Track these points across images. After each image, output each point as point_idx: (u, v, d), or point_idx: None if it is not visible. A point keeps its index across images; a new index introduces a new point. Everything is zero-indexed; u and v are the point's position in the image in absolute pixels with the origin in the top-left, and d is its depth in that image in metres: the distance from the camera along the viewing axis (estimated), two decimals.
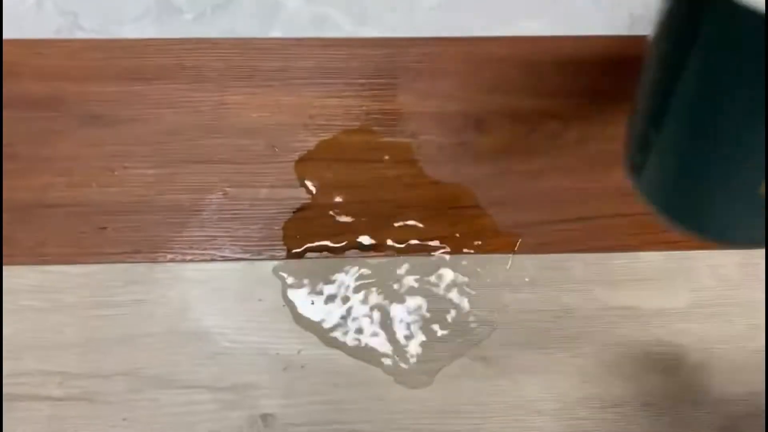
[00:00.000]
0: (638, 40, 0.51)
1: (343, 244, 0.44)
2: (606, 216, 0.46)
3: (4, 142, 0.46)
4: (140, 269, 0.42)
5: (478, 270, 0.43)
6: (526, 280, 0.43)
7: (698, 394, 0.41)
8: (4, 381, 0.39)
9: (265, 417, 0.39)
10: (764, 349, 0.42)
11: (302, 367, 0.41)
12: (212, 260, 0.43)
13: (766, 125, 0.45)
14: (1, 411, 0.38)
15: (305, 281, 0.43)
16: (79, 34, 0.51)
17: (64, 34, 0.51)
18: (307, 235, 0.44)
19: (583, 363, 0.41)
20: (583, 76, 0.50)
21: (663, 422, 0.40)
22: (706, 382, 0.41)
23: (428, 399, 0.40)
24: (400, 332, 0.41)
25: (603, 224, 0.45)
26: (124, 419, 0.38)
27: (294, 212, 0.45)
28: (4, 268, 0.42)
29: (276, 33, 0.52)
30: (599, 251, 0.44)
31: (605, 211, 0.46)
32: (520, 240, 0.45)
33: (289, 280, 0.43)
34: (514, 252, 0.44)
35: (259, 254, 0.43)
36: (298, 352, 0.41)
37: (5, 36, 0.49)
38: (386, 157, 0.47)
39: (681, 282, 0.43)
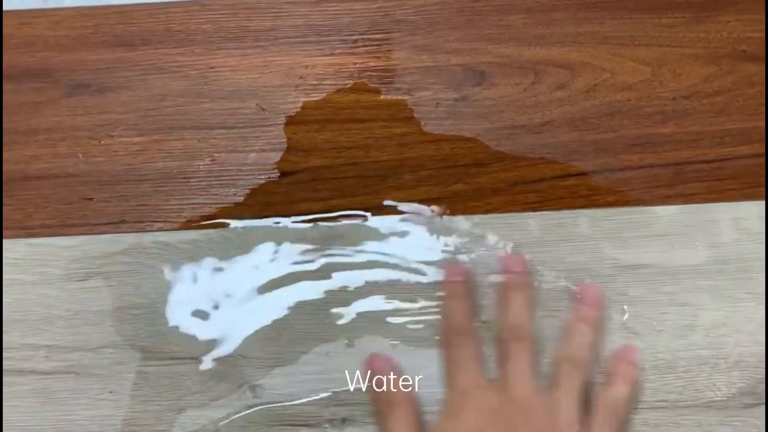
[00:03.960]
0: None
1: (337, 208, 0.42)
2: (615, 169, 0.42)
3: None
4: (128, 239, 0.41)
5: (477, 231, 0.41)
6: (530, 239, 0.40)
7: (716, 356, 0.38)
8: None
9: (253, 388, 0.38)
10: None
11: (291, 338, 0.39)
12: (198, 228, 0.41)
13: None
14: (0, 385, 0.37)
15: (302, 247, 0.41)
16: (68, 3, 0.50)
17: (52, 3, 0.50)
18: (299, 200, 0.42)
19: None
20: (592, 21, 0.46)
21: (675, 386, 0.37)
22: (725, 342, 0.38)
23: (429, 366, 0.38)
24: (406, 297, 0.39)
25: (612, 178, 0.42)
26: (110, 392, 0.37)
27: (283, 176, 0.43)
28: None
29: None
30: (608, 207, 0.41)
31: (614, 164, 0.43)
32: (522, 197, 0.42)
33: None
34: (516, 210, 0.41)
35: (249, 220, 0.42)
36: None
37: None
38: (381, 116, 0.44)
39: (699, 237, 0.40)
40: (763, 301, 0.38)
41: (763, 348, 0.37)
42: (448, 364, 0.36)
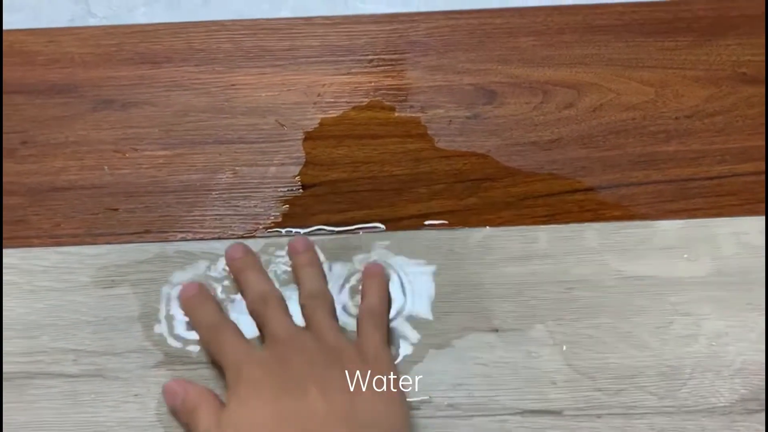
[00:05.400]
0: (655, 6, 0.50)
1: (354, 220, 0.44)
2: (622, 185, 0.44)
3: (19, 128, 0.46)
4: (152, 249, 0.43)
5: (490, 243, 0.42)
6: (539, 251, 0.42)
7: (719, 364, 0.39)
8: (21, 359, 0.39)
9: None
10: None
11: None
12: (220, 238, 0.43)
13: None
14: (0, 390, 0.39)
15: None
16: (92, 22, 0.52)
17: (78, 22, 0.52)
18: (317, 212, 0.44)
19: (598, 334, 0.40)
20: (598, 44, 0.48)
21: (682, 394, 0.39)
22: (728, 351, 0.39)
23: (440, 371, 0.39)
24: (413, 307, 0.41)
25: (619, 193, 0.44)
26: (135, 395, 0.39)
27: (302, 189, 0.45)
28: (22, 249, 0.42)
29: (285, 13, 0.52)
30: (614, 221, 0.43)
31: (621, 180, 0.44)
32: (532, 211, 0.44)
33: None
34: (526, 223, 0.43)
35: (269, 232, 0.43)
36: None
37: (22, 26, 0.50)
38: (396, 133, 0.46)
39: (702, 250, 0.42)
40: (764, 312, 0.40)
41: (764, 356, 0.39)
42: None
